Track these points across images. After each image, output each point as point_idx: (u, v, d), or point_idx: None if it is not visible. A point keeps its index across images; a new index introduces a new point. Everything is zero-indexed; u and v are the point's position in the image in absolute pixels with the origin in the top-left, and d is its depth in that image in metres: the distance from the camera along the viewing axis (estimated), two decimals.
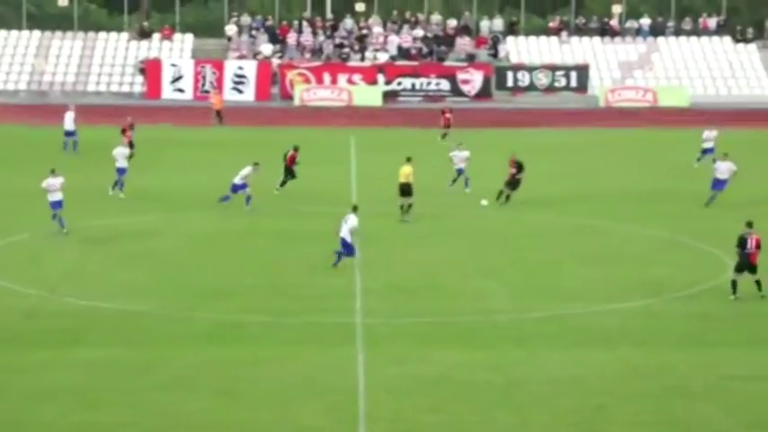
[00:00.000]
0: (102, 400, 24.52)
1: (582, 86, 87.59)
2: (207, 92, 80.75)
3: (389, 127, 72.32)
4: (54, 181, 40.39)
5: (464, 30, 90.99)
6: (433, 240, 40.39)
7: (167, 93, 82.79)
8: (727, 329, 30.35)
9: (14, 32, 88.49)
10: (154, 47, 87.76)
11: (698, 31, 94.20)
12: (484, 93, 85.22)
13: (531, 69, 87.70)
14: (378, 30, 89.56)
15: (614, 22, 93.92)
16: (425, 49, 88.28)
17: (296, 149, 49.06)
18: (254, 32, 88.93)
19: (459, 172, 49.17)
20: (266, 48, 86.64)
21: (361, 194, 47.73)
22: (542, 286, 34.96)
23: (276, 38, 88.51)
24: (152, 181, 49.87)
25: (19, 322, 30.34)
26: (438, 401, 24.72)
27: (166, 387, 25.33)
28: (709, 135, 58.31)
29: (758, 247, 32.71)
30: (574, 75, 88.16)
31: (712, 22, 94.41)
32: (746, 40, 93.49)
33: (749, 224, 33.26)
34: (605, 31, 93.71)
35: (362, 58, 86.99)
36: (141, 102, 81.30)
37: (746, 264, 32.87)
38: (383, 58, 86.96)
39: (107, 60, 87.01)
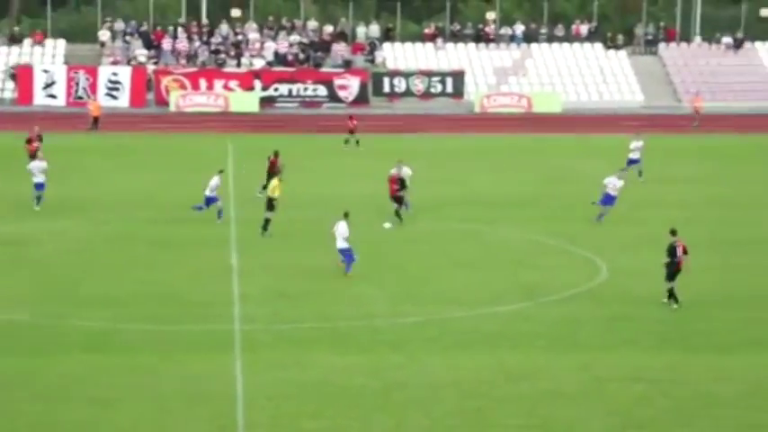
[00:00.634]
0: None
1: (458, 92, 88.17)
2: (81, 98, 79.87)
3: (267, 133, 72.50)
4: None
5: (340, 36, 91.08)
6: (314, 246, 40.23)
7: (39, 99, 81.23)
8: (601, 332, 30.77)
9: None
10: (25, 52, 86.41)
11: (570, 38, 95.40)
12: (361, 99, 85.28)
13: (407, 75, 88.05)
14: (254, 36, 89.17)
15: (489, 29, 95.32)
16: (302, 55, 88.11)
17: (276, 155, 48.85)
18: (128, 38, 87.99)
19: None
20: (141, 53, 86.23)
21: (238, 200, 47.55)
22: (421, 291, 35.11)
23: (151, 43, 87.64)
24: (27, 188, 48.99)
25: None
26: (317, 407, 24.73)
27: (41, 397, 24.98)
28: (637, 145, 57.03)
29: (685, 252, 32.92)
30: (450, 81, 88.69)
31: (584, 29, 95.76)
32: (617, 47, 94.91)
33: (673, 232, 33.23)
34: (480, 38, 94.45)
35: (239, 64, 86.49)
36: (12, 108, 79.73)
37: (677, 271, 32.89)
38: (260, 63, 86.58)
39: None
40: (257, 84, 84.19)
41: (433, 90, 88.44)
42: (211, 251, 38.84)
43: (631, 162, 55.33)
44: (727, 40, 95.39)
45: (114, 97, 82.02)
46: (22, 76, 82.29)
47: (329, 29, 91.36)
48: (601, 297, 34.14)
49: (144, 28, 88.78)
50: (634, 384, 26.35)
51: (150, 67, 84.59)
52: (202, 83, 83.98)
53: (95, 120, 71.51)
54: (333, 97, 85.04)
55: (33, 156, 50.08)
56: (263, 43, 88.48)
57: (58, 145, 59.45)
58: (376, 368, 27.26)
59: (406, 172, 46.01)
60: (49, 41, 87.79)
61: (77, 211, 45.84)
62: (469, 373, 27.23)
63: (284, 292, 34.49)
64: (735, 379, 26.90)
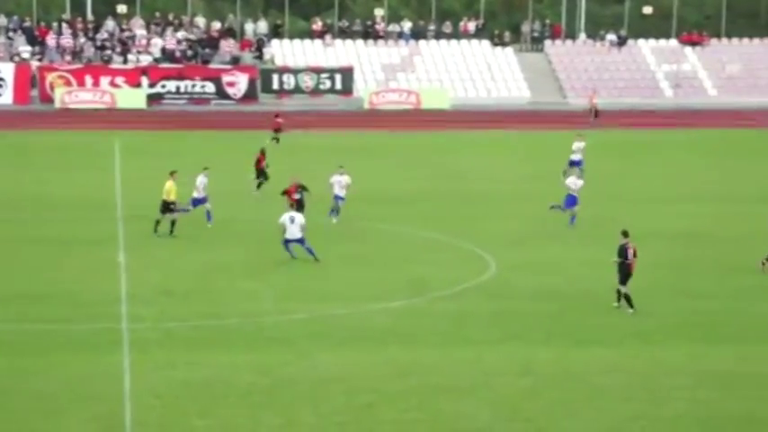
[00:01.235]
0: None
1: (347, 89, 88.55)
2: None
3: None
4: None
5: (228, 32, 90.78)
6: (202, 244, 40.15)
7: None
8: (489, 326, 31.03)
9: None
10: None
11: (458, 35, 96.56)
12: (249, 95, 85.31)
13: (296, 72, 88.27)
14: (141, 32, 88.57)
15: (378, 26, 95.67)
16: (190, 52, 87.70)
17: (263, 152, 48.90)
18: (11, 34, 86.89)
19: (338, 199, 46.07)
20: (24, 49, 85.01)
21: (126, 198, 47.21)
22: (308, 288, 35.12)
23: (35, 39, 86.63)
24: None
25: None
26: (206, 405, 24.62)
27: None
28: (579, 146, 56.44)
29: (635, 255, 32.92)
30: (338, 77, 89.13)
31: (471, 26, 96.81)
32: (504, 44, 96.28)
33: (625, 233, 33.17)
34: (368, 34, 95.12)
35: (125, 61, 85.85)
36: None
37: (629, 274, 32.76)
38: (146, 60, 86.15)
39: None
40: (144, 80, 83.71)
41: (322, 87, 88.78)
42: (99, 250, 38.43)
43: (573, 163, 54.34)
44: (611, 37, 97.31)
45: None
46: None
47: (217, 25, 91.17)
48: (489, 292, 34.43)
49: (27, 23, 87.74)
50: (522, 378, 26.62)
51: (34, 64, 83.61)
52: (88, 79, 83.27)
53: None
54: (221, 94, 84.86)
55: None
56: (149, 39, 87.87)
57: None
58: (264, 365, 27.21)
59: (346, 180, 45.91)
60: None
61: None
62: (359, 369, 27.31)
63: (171, 290, 34.25)
64: (621, 371, 27.28)
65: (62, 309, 32.09)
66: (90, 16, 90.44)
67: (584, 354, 28.67)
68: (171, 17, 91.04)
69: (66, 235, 41.17)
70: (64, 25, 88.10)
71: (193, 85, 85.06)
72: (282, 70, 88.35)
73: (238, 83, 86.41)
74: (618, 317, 32.06)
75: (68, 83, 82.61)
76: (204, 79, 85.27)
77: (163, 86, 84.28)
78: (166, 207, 40.91)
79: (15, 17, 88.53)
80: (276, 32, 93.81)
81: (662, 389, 26.33)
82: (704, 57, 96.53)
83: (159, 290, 34.16)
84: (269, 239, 40.21)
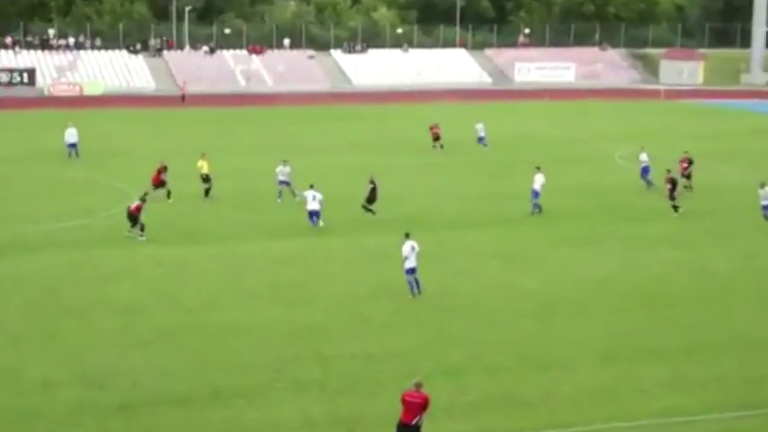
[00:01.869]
0: None
1: (32, 82, 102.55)
2: None
3: None
4: None
5: None
6: None
7: None
8: None
9: None
10: None
11: (110, 47, 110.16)
12: None
13: None
14: None
15: (51, 40, 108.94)
16: None
17: (164, 167, 47.24)
18: None
19: (283, 183, 45.74)
20: None
21: None
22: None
23: None
24: None
25: None
26: None
27: None
28: (480, 128, 57.55)
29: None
30: (25, 74, 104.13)
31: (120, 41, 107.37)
32: (137, 52, 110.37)
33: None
34: (45, 46, 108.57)
35: None
36: None
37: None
38: None
39: None
40: None
41: (14, 81, 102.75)
42: None
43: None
44: (205, 48, 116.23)
45: None
46: None
47: None
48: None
49: None
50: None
51: None
52: None
53: None
54: None
55: None
56: None
57: None
58: None
59: (287, 170, 45.36)
60: None
61: None
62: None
63: None
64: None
65: None
66: None
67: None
68: None
69: None
70: None
71: None
72: None
73: None
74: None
75: None
76: None
77: None
78: None
79: None
80: None
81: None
82: (264, 60, 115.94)
83: None
84: None
